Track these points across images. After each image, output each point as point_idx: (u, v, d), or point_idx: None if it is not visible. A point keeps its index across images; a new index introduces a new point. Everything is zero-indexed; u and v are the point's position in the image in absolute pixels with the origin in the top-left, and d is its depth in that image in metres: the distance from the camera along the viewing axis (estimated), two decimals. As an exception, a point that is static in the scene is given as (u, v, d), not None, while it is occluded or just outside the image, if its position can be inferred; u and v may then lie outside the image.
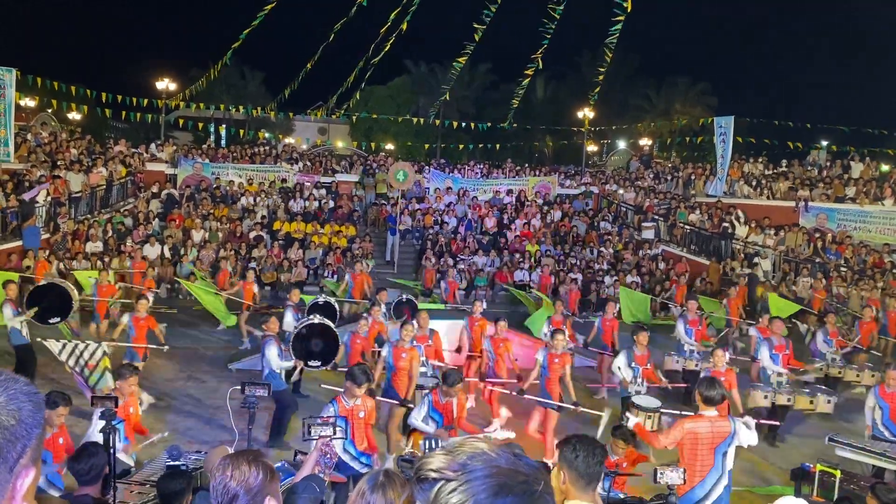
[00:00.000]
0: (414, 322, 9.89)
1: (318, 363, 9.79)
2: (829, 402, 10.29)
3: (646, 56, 45.47)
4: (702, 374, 8.96)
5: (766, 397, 10.01)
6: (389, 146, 44.68)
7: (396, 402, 8.70)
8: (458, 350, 11.65)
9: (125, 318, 10.98)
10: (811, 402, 10.20)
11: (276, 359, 9.34)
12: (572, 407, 9.04)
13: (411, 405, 8.42)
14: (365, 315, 11.40)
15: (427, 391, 7.93)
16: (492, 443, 1.10)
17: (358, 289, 16.38)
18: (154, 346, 11.06)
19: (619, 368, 9.88)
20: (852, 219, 23.37)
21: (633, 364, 9.71)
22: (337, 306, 13.36)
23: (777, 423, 10.11)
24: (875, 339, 14.08)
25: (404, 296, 14.37)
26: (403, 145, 45.09)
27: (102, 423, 5.55)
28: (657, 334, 14.28)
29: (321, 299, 13.37)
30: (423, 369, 9.75)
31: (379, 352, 9.86)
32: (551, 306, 14.05)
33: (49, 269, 16.62)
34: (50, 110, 35.07)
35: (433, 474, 1.05)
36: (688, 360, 11.73)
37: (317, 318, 10.06)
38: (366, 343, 10.87)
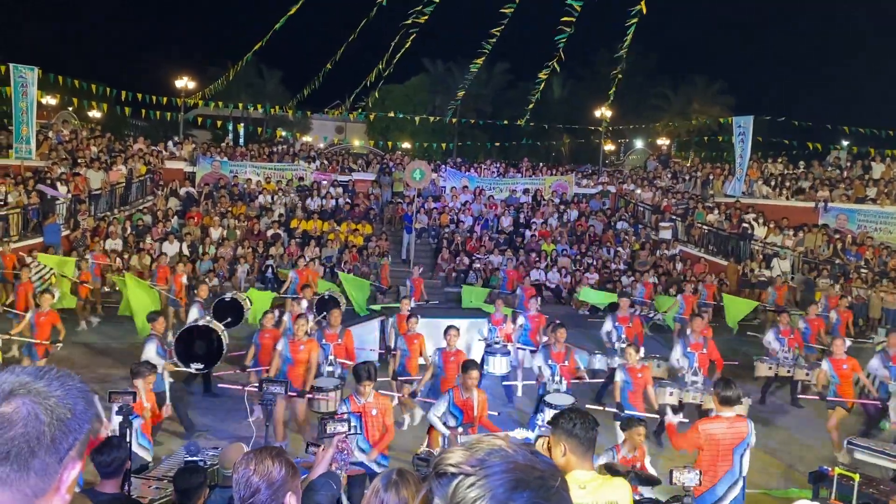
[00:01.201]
0: (309, 316, 9.98)
1: (201, 366, 9.71)
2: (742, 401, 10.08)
3: (663, 55, 45.25)
4: (617, 372, 9.22)
5: (671, 394, 9.78)
6: (406, 145, 44.76)
7: (294, 395, 8.66)
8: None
9: (29, 315, 10.87)
10: None
11: (151, 356, 9.17)
12: None
13: (309, 395, 8.71)
14: (272, 311, 11.20)
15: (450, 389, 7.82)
16: (509, 441, 1.11)
17: (302, 285, 16.23)
18: (48, 343, 10.84)
19: (538, 367, 9.72)
20: (873, 220, 23.13)
21: (549, 362, 9.44)
22: (246, 304, 12.96)
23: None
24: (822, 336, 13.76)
25: (327, 293, 14.22)
26: (420, 144, 45.20)
27: (120, 418, 5.62)
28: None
29: (228, 296, 12.94)
30: (329, 368, 9.64)
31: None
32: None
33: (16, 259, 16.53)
34: (71, 108, 35.43)
35: (452, 469, 1.07)
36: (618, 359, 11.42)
37: (202, 321, 10.02)
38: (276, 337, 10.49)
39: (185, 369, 9.83)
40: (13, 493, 1.12)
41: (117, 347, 13.79)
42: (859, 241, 21.83)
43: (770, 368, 11.92)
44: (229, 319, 11.88)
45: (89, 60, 53.24)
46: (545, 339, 10.07)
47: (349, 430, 5.32)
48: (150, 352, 9.28)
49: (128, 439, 5.24)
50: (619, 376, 9.04)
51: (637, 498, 6.23)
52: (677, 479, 5.11)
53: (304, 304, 12.26)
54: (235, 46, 56.41)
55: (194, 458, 6.08)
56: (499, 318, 12.53)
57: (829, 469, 7.38)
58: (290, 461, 2.56)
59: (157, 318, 9.95)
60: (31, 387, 1.17)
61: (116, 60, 58.56)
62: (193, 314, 11.50)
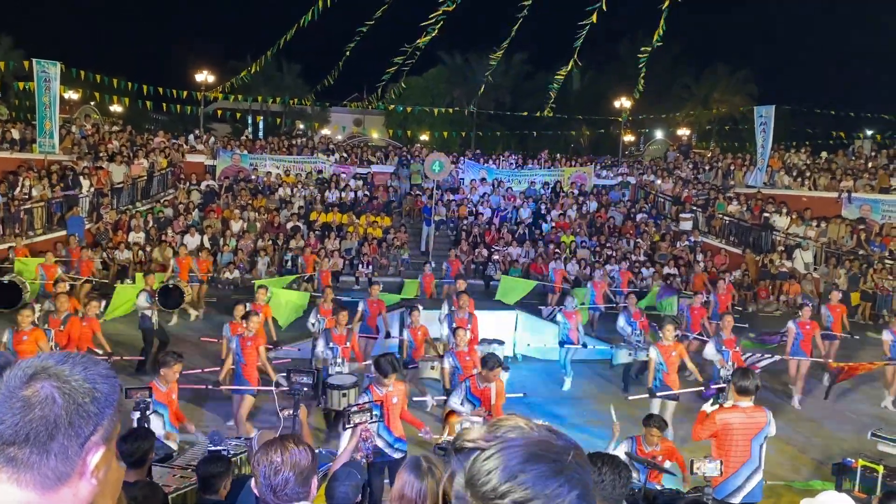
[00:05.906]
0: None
1: None
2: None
3: (685, 43, 44.42)
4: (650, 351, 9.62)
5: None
6: (424, 137, 44.68)
7: (250, 391, 8.79)
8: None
9: None
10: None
11: None
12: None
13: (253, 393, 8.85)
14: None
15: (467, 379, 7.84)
16: (529, 420, 1.13)
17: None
18: None
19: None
20: (898, 210, 22.73)
21: (331, 344, 9.74)
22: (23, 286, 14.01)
23: None
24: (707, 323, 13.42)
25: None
26: (439, 135, 45.13)
27: (138, 414, 5.71)
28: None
29: (6, 279, 14.04)
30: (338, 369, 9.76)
31: None
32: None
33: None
34: (93, 103, 35.73)
35: (469, 444, 1.11)
36: None
37: None
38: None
39: None
40: (34, 476, 1.13)
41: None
42: (885, 231, 21.49)
43: (629, 354, 11.96)
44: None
45: (110, 55, 53.64)
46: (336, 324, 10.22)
47: (370, 418, 5.38)
48: None
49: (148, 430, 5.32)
50: (653, 355, 9.35)
51: (659, 488, 6.24)
52: (698, 469, 5.10)
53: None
54: (254, 40, 56.55)
55: (217, 448, 6.15)
56: (570, 310, 12.44)
57: (853, 461, 7.34)
58: (310, 446, 2.61)
59: None
60: (52, 371, 1.18)
61: (137, 55, 58.95)
62: None
